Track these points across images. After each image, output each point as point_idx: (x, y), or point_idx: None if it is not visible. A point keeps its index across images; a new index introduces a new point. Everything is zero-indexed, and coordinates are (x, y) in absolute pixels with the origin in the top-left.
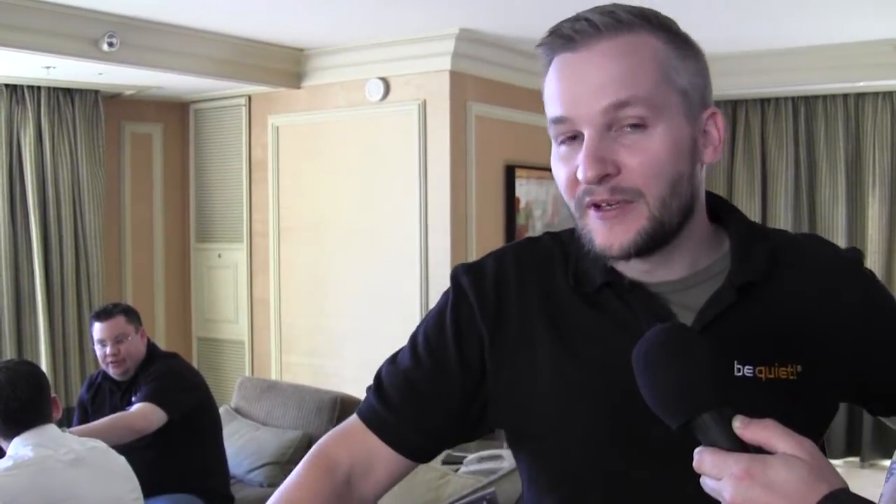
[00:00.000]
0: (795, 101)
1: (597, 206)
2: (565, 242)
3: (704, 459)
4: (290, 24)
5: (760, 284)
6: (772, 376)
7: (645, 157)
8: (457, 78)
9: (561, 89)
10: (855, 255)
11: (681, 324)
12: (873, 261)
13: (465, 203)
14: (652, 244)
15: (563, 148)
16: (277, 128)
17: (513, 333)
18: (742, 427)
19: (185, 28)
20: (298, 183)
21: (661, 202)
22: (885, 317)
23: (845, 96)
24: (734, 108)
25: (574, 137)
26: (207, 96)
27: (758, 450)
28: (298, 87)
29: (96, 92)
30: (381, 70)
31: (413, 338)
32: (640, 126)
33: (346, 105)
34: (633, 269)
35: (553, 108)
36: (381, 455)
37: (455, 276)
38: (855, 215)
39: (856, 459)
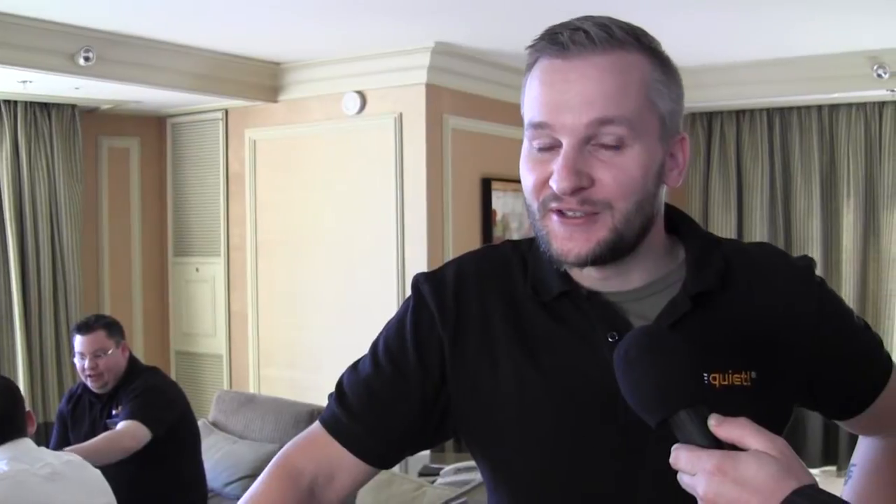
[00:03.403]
0: (770, 112)
1: (560, 212)
2: (524, 251)
3: (680, 456)
4: (267, 39)
5: (715, 293)
6: (726, 383)
7: (619, 175)
8: (433, 91)
9: (546, 95)
10: (807, 263)
11: (660, 325)
12: (847, 270)
13: (442, 216)
14: (609, 256)
15: (537, 152)
16: (254, 141)
17: (473, 340)
18: (717, 425)
19: (161, 42)
20: (276, 196)
21: (625, 217)
22: (836, 323)
23: (820, 108)
24: (709, 119)
25: (551, 145)
26: (184, 110)
27: (732, 447)
28: (275, 101)
29: (73, 106)
30: (357, 84)
31: (374, 345)
32: (617, 144)
33: (323, 119)
34: (590, 279)
35: (534, 111)
36: (344, 462)
37: (415, 283)
38: (830, 226)
39: (832, 468)
